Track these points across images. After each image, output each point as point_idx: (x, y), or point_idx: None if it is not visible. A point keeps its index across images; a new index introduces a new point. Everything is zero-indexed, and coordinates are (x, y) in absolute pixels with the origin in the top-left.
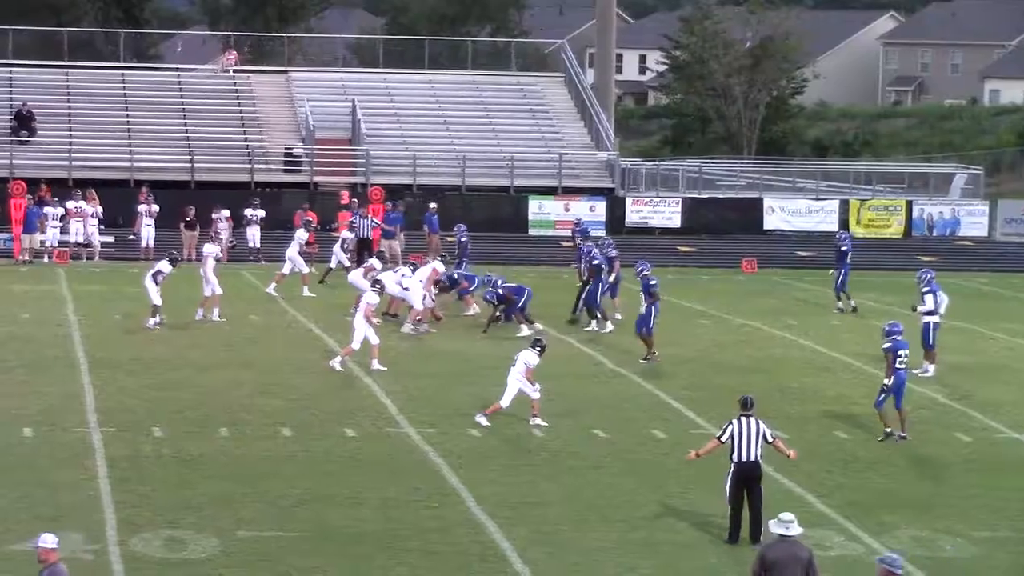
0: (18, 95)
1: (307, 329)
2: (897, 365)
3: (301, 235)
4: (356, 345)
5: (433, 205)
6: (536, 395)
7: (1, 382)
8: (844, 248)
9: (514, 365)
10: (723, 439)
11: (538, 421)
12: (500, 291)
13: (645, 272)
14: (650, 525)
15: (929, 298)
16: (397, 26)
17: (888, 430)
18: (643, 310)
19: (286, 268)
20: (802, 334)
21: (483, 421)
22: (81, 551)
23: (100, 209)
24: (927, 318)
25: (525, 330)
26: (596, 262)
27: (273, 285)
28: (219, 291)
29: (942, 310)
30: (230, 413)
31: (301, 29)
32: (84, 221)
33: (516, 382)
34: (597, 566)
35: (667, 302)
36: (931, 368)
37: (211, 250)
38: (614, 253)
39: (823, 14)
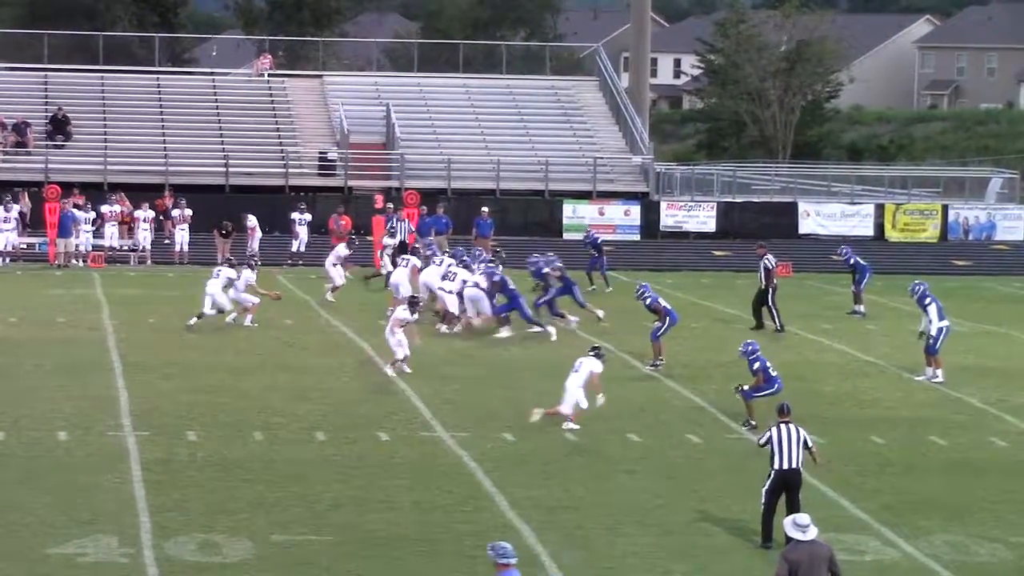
0: (53, 99)
1: (341, 333)
2: (773, 373)
3: (341, 250)
4: (400, 352)
5: (485, 209)
6: (585, 405)
7: (36, 386)
8: (851, 261)
9: (576, 372)
10: (762, 444)
11: (571, 425)
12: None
13: (646, 293)
14: (684, 529)
15: (932, 309)
16: (431, 30)
17: (753, 421)
18: (656, 324)
19: (337, 280)
20: (836, 338)
21: (536, 416)
22: (116, 555)
23: (151, 214)
24: (940, 324)
25: (505, 332)
26: (544, 272)
27: (330, 293)
28: (256, 300)
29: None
30: (264, 417)
31: (335, 33)
32: (136, 224)
33: (577, 389)
34: (631, 570)
35: (701, 306)
36: (940, 373)
37: (249, 276)
38: (560, 264)
39: (859, 18)
